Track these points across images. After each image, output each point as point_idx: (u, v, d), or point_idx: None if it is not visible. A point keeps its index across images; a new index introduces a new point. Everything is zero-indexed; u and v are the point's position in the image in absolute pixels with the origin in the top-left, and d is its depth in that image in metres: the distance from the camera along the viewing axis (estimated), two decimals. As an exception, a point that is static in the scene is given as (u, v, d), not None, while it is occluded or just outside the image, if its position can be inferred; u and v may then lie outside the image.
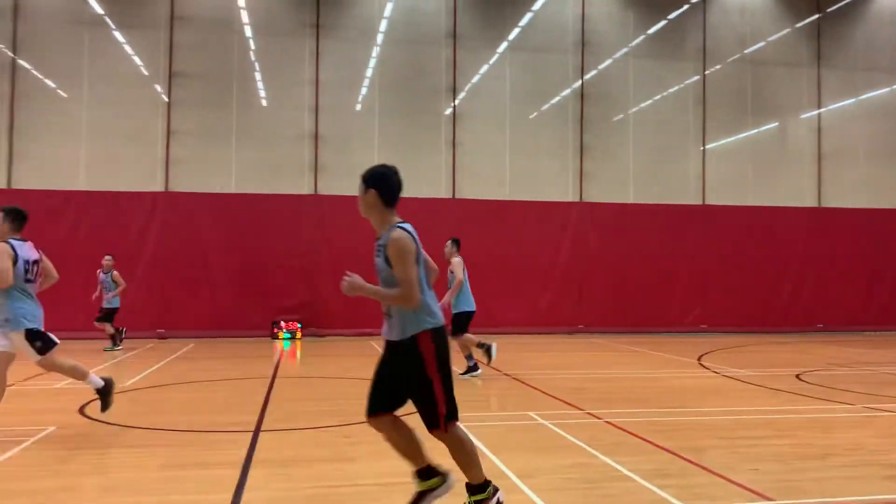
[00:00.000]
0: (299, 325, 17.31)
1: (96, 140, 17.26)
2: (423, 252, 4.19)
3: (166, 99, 17.57)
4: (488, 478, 4.22)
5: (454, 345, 11.12)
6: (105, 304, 14.40)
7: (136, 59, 17.68)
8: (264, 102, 18.42)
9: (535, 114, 19.56)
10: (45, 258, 6.91)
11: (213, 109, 17.82)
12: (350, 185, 18.11)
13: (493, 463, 5.59)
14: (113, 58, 17.49)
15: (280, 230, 17.62)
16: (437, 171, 18.84)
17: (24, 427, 6.89)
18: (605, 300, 19.04)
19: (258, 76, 18.31)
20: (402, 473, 5.48)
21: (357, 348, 15.03)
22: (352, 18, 18.77)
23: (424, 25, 19.05)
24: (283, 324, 17.17)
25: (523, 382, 10.15)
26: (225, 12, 17.94)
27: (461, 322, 10.47)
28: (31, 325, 6.51)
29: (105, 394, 6.91)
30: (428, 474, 4.21)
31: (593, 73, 19.76)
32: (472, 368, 10.55)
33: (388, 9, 18.73)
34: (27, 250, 6.62)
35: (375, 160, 19.15)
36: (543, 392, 9.26)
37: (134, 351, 14.20)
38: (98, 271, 14.60)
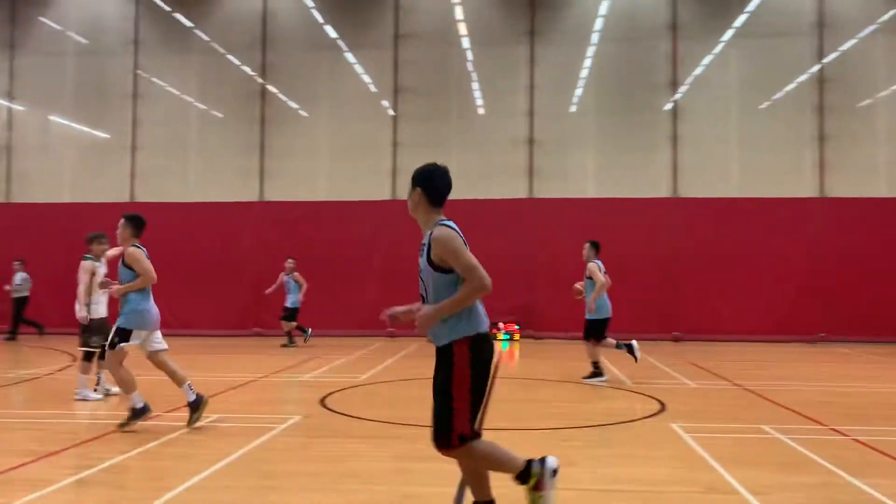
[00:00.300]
0: (517, 327, 17.56)
1: (334, 154, 18.81)
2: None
3: (392, 113, 18.71)
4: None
5: (582, 349, 10.72)
6: (288, 304, 15.38)
7: (366, 78, 19.02)
8: (481, 111, 18.95)
9: (765, 104, 18.17)
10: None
11: (433, 120, 18.68)
12: (565, 188, 18.15)
13: (723, 477, 5.27)
14: (346, 78, 18.97)
15: (497, 233, 17.99)
16: (657, 170, 18.17)
17: (274, 416, 7.67)
18: (851, 306, 17.10)
19: (475, 85, 18.88)
20: (626, 480, 5.36)
21: (574, 351, 14.90)
22: (566, 21, 18.71)
23: (642, 19, 18.49)
24: (501, 325, 17.50)
25: (755, 393, 9.46)
26: (444, 27, 18.73)
27: (595, 328, 10.24)
28: (125, 325, 7.03)
29: (194, 408, 7.02)
30: (525, 476, 3.95)
31: (834, 55, 17.94)
32: (595, 374, 10.27)
33: (605, 7, 18.43)
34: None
35: (590, 162, 18.97)
36: (778, 404, 8.56)
37: (366, 348, 15.22)
38: (281, 273, 15.64)
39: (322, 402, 8.59)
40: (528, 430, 7.13)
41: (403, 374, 11.42)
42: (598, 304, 10.23)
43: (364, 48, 18.98)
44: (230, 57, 19.09)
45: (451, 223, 3.95)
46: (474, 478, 3.99)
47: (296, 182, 18.77)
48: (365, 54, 19.01)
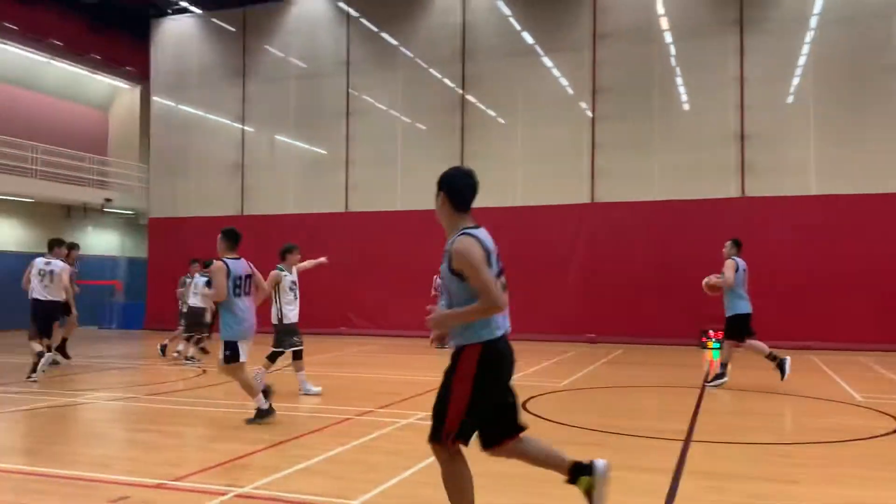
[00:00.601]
0: (728, 335, 16.51)
1: (531, 159, 18.91)
2: (499, 261, 3.88)
3: (590, 114, 18.45)
4: None
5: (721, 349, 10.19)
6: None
7: (563, 81, 18.93)
8: (686, 106, 18.13)
9: None
10: (256, 273, 7.78)
11: (634, 119, 18.14)
12: (780, 185, 16.82)
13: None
14: (542, 82, 19.01)
15: (704, 235, 17.07)
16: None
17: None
18: None
19: (679, 80, 18.10)
20: (854, 502, 4.85)
21: (798, 363, 13.74)
22: (779, 5, 17.38)
23: (869, -4, 16.71)
24: (711, 333, 16.57)
25: None
26: (644, 23, 18.16)
27: (735, 326, 10.07)
28: (225, 337, 7.40)
29: (261, 416, 7.32)
30: (576, 474, 3.83)
31: None
32: (719, 376, 10.10)
33: (823, -14, 16.89)
34: (240, 267, 7.50)
35: (811, 156, 17.43)
36: None
37: (566, 354, 15.11)
38: (434, 276, 16.13)
39: (524, 405, 8.64)
40: (741, 444, 6.68)
41: (605, 380, 11.19)
42: (732, 301, 10.08)
43: (560, 51, 18.91)
44: (432, 70, 19.88)
45: (476, 231, 3.84)
46: (456, 492, 3.84)
47: (494, 188, 19.06)
48: (561, 57, 18.94)
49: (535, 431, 7.05)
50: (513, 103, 19.22)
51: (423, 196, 19.31)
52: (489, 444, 3.86)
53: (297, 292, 9.87)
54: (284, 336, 9.56)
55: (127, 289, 24.28)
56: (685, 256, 17.20)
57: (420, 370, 12.41)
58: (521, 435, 3.92)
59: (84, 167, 23.48)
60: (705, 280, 10.39)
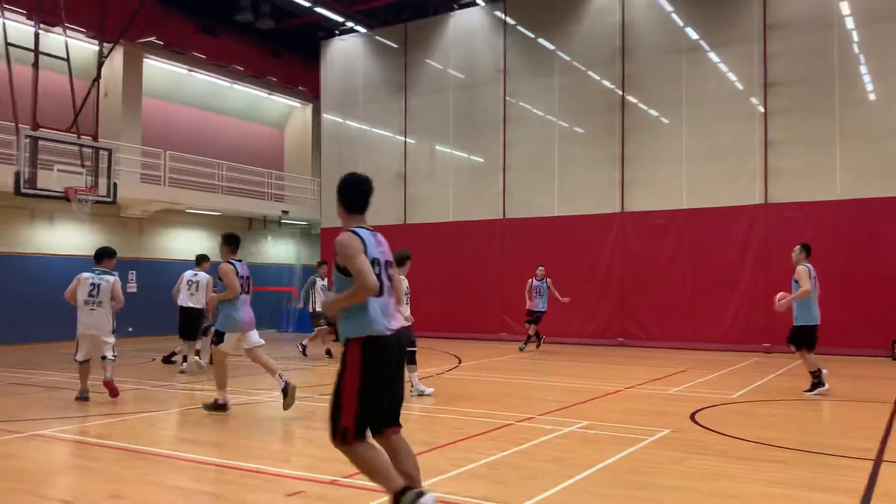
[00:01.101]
0: (923, 345, 14.92)
1: (695, 160, 18.08)
2: (390, 264, 4.25)
3: (762, 110, 17.36)
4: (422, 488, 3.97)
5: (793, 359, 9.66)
6: (535, 308, 16.22)
7: (731, 76, 17.97)
8: (872, 97, 16.61)
9: None
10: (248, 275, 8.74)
11: (812, 113, 16.85)
12: None
13: None
14: (707, 79, 18.13)
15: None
16: None
17: (643, 427, 7.60)
18: None
19: (863, 69, 16.62)
20: None
21: None
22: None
23: None
24: (905, 343, 15.04)
25: None
26: (821, 10, 16.85)
27: (800, 336, 9.85)
28: (219, 328, 8.45)
29: (285, 394, 8.15)
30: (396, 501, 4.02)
31: None
32: (816, 385, 9.90)
33: None
34: (242, 268, 8.57)
35: None
36: None
37: (738, 364, 14.29)
38: (531, 279, 16.41)
39: (692, 417, 8.27)
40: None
41: (780, 393, 10.47)
42: (806, 310, 9.86)
43: (727, 45, 17.95)
44: (590, 73, 19.58)
45: (360, 230, 4.18)
46: (374, 473, 4.06)
47: (656, 191, 18.46)
48: (728, 51, 17.97)
49: (706, 446, 6.73)
50: (676, 102, 18.48)
51: (580, 201, 19.21)
52: (375, 431, 4.15)
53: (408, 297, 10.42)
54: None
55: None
56: (873, 261, 15.75)
57: (582, 377, 12.23)
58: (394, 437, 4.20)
59: (263, 182, 25.30)
60: (780, 302, 10.04)
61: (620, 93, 19.03)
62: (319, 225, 24.74)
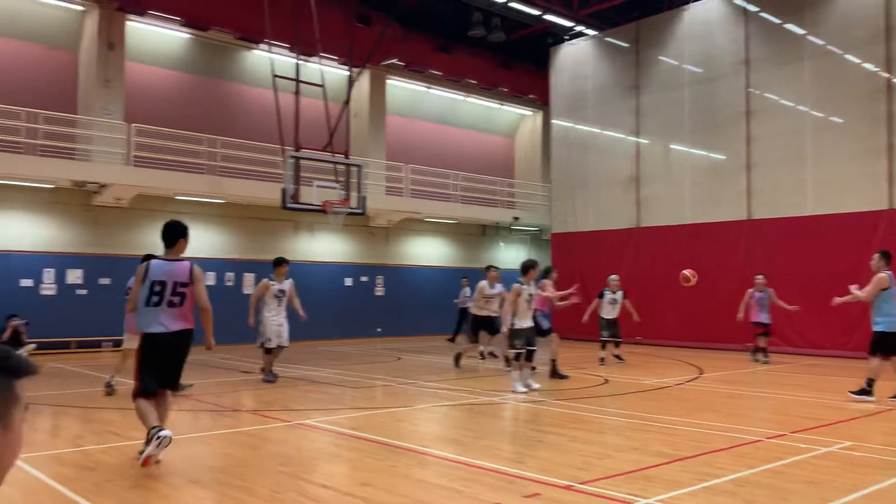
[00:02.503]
0: None
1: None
2: (159, 285, 6.41)
3: None
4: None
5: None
6: (761, 320, 15.21)
7: None
8: None
9: None
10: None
11: None
12: None
13: None
14: None
15: None
16: None
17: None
18: None
19: None
20: None
21: None
22: None
23: None
24: None
25: None
26: None
27: (879, 342, 9.68)
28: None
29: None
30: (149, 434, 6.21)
31: None
32: (864, 392, 9.69)
33: None
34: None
35: None
36: None
37: None
38: (752, 290, 15.36)
39: (983, 444, 7.14)
40: None
41: None
42: (881, 317, 9.76)
43: None
44: (848, 56, 17.67)
45: (153, 261, 6.64)
46: (143, 417, 6.30)
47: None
48: None
49: None
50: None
51: (839, 198, 17.34)
52: (152, 393, 6.39)
53: (532, 303, 11.05)
54: (517, 338, 10.79)
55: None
56: None
57: (840, 394, 11.05)
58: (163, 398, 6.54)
59: (495, 190, 26.02)
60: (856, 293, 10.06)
61: (886, 75, 16.96)
62: (549, 230, 24.88)
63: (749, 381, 12.62)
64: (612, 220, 22.06)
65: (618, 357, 15.18)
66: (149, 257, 7.14)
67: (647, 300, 19.41)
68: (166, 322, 6.34)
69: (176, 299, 6.40)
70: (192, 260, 6.69)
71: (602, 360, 14.91)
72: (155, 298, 6.36)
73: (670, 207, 20.93)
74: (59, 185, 17.27)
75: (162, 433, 6.01)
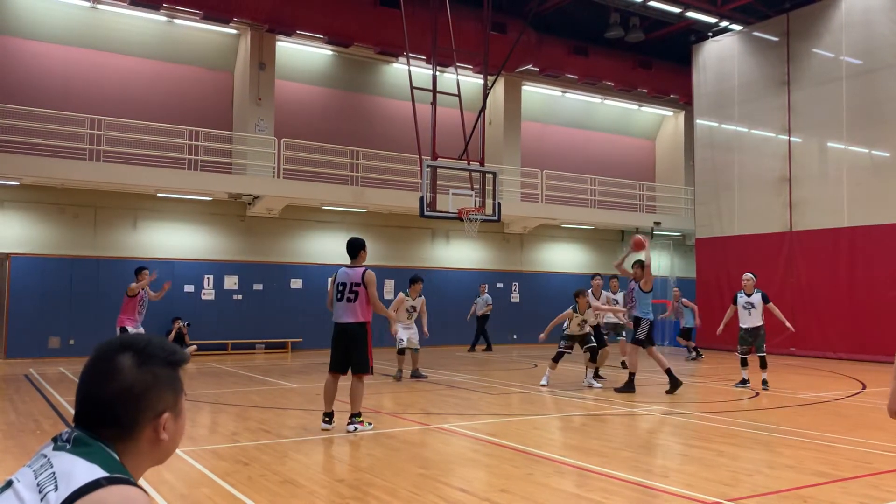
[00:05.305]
0: None
1: None
2: (340, 280, 8.10)
3: None
4: None
5: None
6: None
7: None
8: None
9: None
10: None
11: None
12: None
13: None
14: None
15: None
16: None
17: None
18: None
19: None
20: None
21: None
22: None
23: None
24: None
25: None
26: None
27: None
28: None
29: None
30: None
31: None
32: None
33: None
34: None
35: None
36: None
37: None
38: None
39: None
40: None
41: None
42: None
43: None
44: None
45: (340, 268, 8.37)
46: None
47: None
48: None
49: None
50: None
51: None
52: (335, 371, 8.16)
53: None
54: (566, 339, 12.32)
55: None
56: None
57: None
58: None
59: (635, 194, 25.33)
60: None
61: None
62: (693, 235, 23.89)
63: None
64: (761, 223, 20.87)
65: (763, 383, 12.00)
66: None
67: (802, 308, 18.22)
68: (341, 314, 8.00)
69: (351, 296, 7.97)
70: (350, 267, 8.22)
71: (745, 381, 12.22)
72: (338, 296, 8.05)
73: (827, 209, 19.51)
74: (217, 198, 18.56)
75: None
